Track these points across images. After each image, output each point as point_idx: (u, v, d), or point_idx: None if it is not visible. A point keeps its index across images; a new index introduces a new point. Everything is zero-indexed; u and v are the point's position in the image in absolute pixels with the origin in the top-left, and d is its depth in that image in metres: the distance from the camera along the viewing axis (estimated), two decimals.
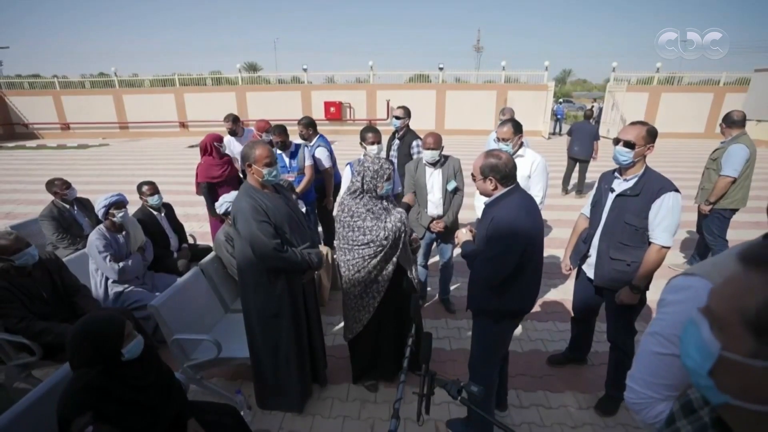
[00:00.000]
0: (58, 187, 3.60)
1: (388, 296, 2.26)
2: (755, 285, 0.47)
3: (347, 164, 3.47)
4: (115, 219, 2.91)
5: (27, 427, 1.49)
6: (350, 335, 2.37)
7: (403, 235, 2.18)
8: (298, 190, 3.73)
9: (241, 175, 4.64)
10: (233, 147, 4.83)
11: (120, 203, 2.95)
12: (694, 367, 0.53)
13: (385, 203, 2.24)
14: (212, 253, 3.07)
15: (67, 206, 3.66)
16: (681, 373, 0.83)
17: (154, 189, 3.40)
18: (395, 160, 3.88)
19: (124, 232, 3.01)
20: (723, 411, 0.53)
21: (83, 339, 1.38)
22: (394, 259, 2.20)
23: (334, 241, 2.26)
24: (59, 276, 2.52)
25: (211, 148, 4.04)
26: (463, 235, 2.01)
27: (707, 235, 3.84)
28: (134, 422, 1.41)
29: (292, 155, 3.79)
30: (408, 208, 2.22)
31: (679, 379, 0.86)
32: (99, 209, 2.92)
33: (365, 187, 2.16)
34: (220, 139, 4.17)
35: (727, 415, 0.53)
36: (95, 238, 2.84)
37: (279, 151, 3.76)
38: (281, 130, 3.81)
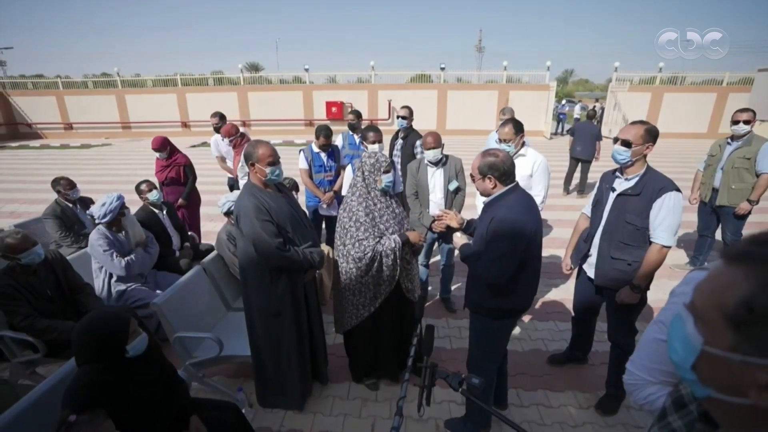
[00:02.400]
0: (63, 186, 3.64)
1: (387, 297, 2.26)
2: (734, 281, 0.48)
3: (349, 164, 3.49)
4: (124, 217, 2.95)
5: (32, 422, 1.51)
6: (341, 329, 2.37)
7: (390, 260, 2.14)
8: (335, 188, 3.77)
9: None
10: (220, 146, 4.80)
11: (124, 204, 2.97)
12: (679, 361, 0.55)
13: (390, 201, 2.25)
14: (214, 252, 3.09)
15: (70, 205, 3.69)
16: None
17: (151, 185, 3.43)
18: (398, 160, 3.89)
19: (123, 231, 3.02)
20: (707, 404, 0.54)
21: (89, 336, 1.39)
22: (396, 275, 2.18)
23: (335, 240, 2.28)
24: (64, 274, 2.54)
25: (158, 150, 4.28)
26: (459, 239, 2.02)
27: (732, 235, 3.71)
28: (138, 417, 1.42)
29: (330, 155, 3.76)
30: (407, 241, 2.18)
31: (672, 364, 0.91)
32: (110, 210, 2.85)
33: (366, 182, 2.17)
34: (162, 146, 4.27)
35: (711, 408, 0.55)
36: (96, 238, 2.84)
37: (317, 150, 3.72)
38: (327, 133, 3.69)
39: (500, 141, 2.80)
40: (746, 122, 3.45)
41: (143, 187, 3.41)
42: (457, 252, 2.02)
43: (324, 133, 3.67)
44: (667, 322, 0.92)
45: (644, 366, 0.96)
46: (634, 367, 0.98)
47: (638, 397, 0.97)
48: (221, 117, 4.79)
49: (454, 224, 2.11)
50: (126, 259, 2.87)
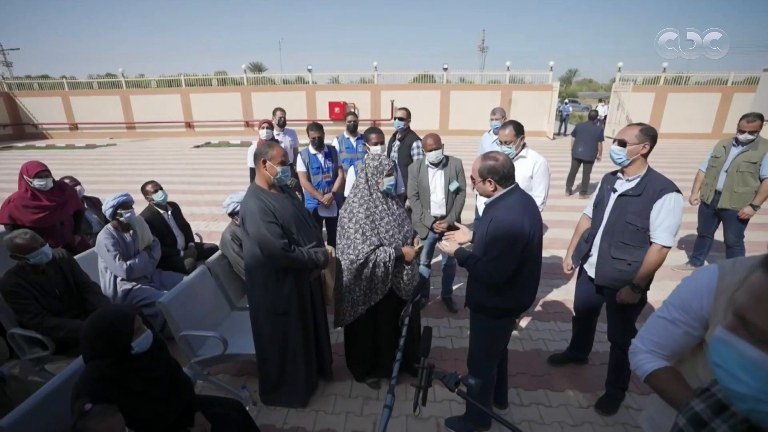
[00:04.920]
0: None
1: (385, 297, 2.29)
2: None
3: (351, 165, 3.52)
4: (122, 219, 2.98)
5: (42, 417, 1.55)
6: (339, 324, 2.42)
7: (380, 271, 2.19)
8: (334, 189, 3.77)
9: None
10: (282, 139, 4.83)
11: (127, 203, 3.00)
12: (751, 393, 0.46)
13: (391, 203, 2.27)
14: (218, 252, 3.13)
15: None
16: (665, 332, 1.04)
17: (157, 186, 3.48)
18: (396, 162, 3.91)
19: (131, 231, 3.07)
20: None
21: (96, 332, 1.43)
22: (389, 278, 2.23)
23: (336, 239, 2.31)
24: (71, 273, 2.59)
25: (20, 180, 2.91)
26: (448, 246, 2.02)
27: (735, 237, 3.70)
28: (144, 413, 1.46)
29: (327, 156, 3.76)
30: (401, 256, 2.23)
31: (663, 338, 1.05)
32: (106, 209, 2.97)
33: (369, 183, 2.21)
34: (39, 173, 2.90)
35: None
36: (104, 238, 2.90)
37: (314, 152, 3.72)
38: (318, 126, 3.74)
39: (501, 143, 2.82)
40: (752, 133, 3.42)
41: (149, 187, 3.46)
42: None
43: (315, 127, 3.68)
44: (668, 300, 1.01)
45: (641, 336, 1.11)
46: (635, 338, 1.14)
47: (632, 361, 1.11)
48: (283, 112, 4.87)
49: (463, 240, 2.08)
50: (129, 262, 2.93)
